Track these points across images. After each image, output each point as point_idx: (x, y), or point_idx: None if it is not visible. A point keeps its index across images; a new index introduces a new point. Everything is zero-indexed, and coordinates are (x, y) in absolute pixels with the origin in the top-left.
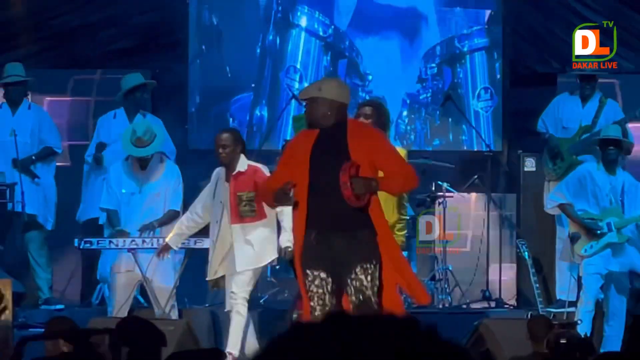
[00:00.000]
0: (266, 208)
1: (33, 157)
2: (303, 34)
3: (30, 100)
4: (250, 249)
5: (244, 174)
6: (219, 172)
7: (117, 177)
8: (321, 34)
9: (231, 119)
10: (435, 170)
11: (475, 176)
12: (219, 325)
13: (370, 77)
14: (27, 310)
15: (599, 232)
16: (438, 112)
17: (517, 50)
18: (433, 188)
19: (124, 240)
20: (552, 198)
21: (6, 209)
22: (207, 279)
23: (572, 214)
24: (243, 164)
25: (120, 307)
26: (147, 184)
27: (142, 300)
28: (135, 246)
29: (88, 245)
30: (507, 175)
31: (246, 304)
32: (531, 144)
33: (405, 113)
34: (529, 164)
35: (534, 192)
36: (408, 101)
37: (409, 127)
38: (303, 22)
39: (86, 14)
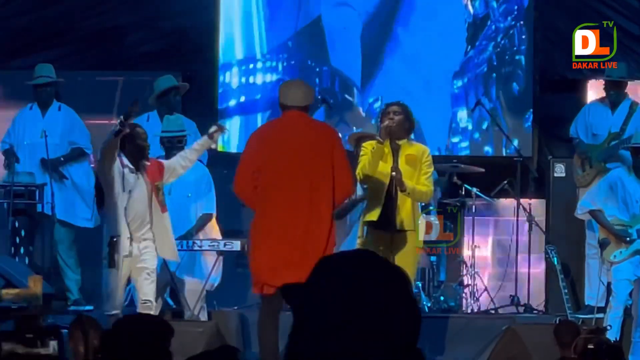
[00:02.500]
0: None
1: (62, 158)
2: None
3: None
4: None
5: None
6: None
7: None
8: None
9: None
10: (465, 175)
11: (505, 182)
12: (247, 327)
13: None
14: (56, 312)
15: (628, 239)
16: (470, 118)
17: (548, 56)
18: (463, 193)
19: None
20: (583, 204)
21: (35, 210)
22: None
23: (602, 220)
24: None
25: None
26: (177, 185)
27: (171, 302)
28: None
29: None
30: (536, 181)
31: None
32: (561, 150)
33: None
34: (559, 170)
35: (564, 198)
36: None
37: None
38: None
39: (116, 17)
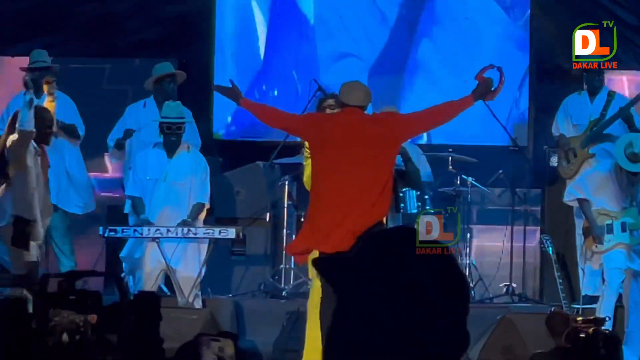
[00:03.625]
0: None
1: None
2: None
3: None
4: None
5: None
6: None
7: (143, 164)
8: None
9: None
10: (460, 164)
11: (500, 171)
12: (242, 315)
13: None
14: None
15: (598, 242)
16: None
17: (544, 46)
18: (458, 182)
19: (149, 229)
20: (571, 191)
21: None
22: None
23: (587, 211)
24: None
25: None
26: (173, 173)
27: (165, 289)
28: (159, 235)
29: (112, 233)
30: (532, 170)
31: None
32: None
33: None
34: (554, 159)
35: (559, 188)
36: None
37: None
38: None
39: (114, 3)
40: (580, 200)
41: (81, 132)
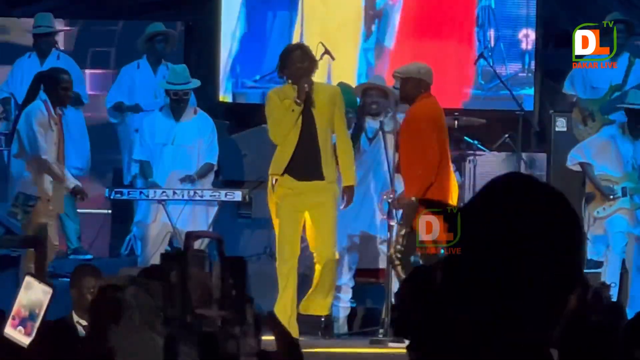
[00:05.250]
0: None
1: None
2: None
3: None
4: None
5: None
6: None
7: (151, 128)
8: None
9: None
10: (465, 128)
11: (506, 135)
12: (249, 277)
13: None
14: (55, 260)
15: (612, 196)
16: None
17: (549, 10)
18: (464, 146)
19: (155, 191)
20: (574, 155)
21: None
22: None
23: (590, 173)
24: None
25: (151, 258)
26: (180, 136)
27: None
28: (165, 197)
29: (119, 195)
30: (537, 135)
31: None
32: (563, 104)
33: None
34: (560, 124)
35: (565, 153)
36: None
37: None
38: None
39: None
40: (582, 164)
41: (85, 99)
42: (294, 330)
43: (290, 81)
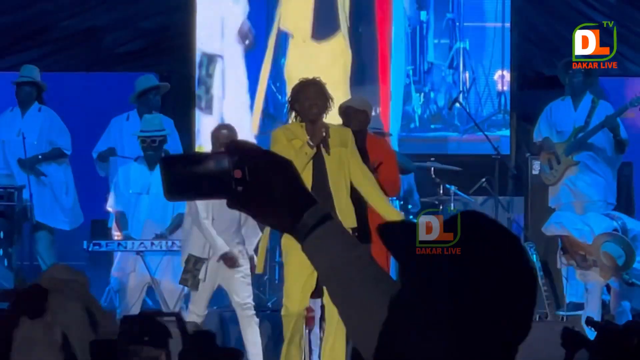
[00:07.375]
0: None
1: (39, 157)
2: None
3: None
4: None
5: None
6: None
7: (126, 178)
8: None
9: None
10: (442, 174)
11: (483, 179)
12: (226, 328)
13: None
14: None
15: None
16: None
17: (525, 53)
18: (441, 192)
19: (133, 243)
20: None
21: (14, 212)
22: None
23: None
24: None
25: (129, 309)
26: (155, 185)
27: (150, 302)
28: (143, 249)
29: (97, 247)
30: (515, 178)
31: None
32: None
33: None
34: (537, 167)
35: (542, 196)
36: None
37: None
38: None
39: (94, 17)
40: (561, 236)
41: (67, 151)
42: None
43: (298, 118)
